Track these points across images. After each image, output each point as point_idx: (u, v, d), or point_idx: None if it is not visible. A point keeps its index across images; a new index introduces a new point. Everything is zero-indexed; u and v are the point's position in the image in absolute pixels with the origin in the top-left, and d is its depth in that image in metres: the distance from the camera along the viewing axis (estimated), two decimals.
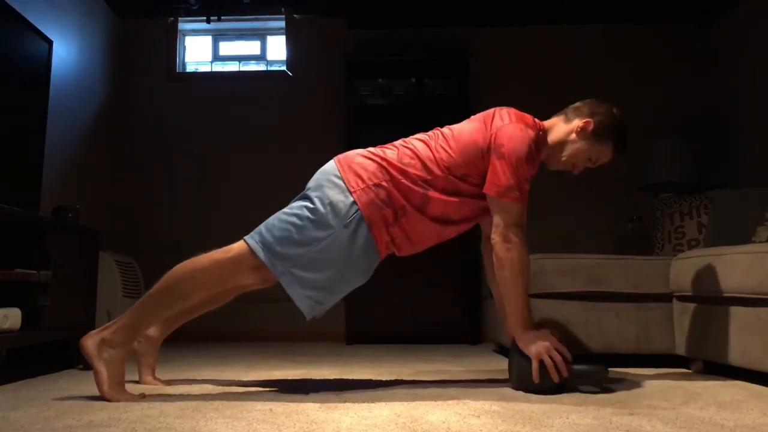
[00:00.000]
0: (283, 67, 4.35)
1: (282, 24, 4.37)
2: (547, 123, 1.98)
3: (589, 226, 4.02)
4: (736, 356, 2.04)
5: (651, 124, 4.13)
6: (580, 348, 2.46)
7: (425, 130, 2.02)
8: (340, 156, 1.89)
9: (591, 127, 1.92)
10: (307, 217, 1.75)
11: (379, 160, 1.82)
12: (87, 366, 2.35)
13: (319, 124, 4.24)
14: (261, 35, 4.50)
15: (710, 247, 2.33)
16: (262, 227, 1.80)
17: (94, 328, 2.41)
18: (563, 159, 1.96)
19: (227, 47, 4.51)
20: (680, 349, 2.43)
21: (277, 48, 4.47)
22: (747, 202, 2.84)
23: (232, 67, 4.47)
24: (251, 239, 1.78)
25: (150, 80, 4.29)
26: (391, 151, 1.86)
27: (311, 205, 1.77)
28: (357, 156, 1.85)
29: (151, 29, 4.34)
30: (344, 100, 4.09)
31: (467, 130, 1.88)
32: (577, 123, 1.94)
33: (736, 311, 2.05)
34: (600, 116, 1.93)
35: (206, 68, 4.47)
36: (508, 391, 1.78)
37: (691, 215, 3.08)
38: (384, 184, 1.79)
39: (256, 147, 4.24)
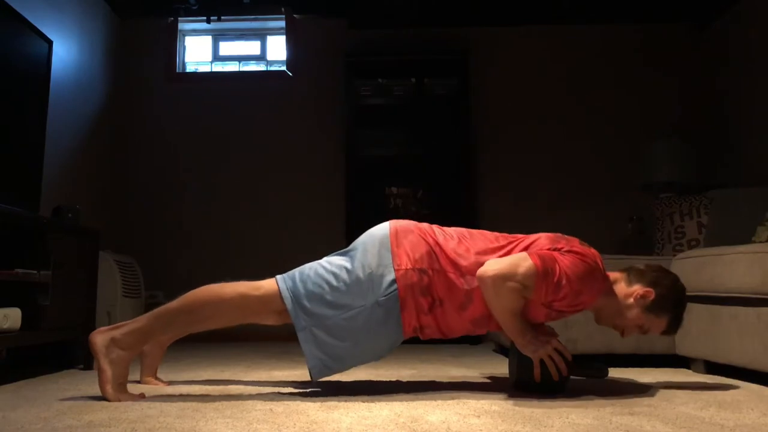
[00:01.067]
0: (283, 67, 4.35)
1: (282, 24, 4.37)
2: (611, 275, 1.85)
3: (589, 226, 4.01)
4: (736, 356, 2.04)
5: (651, 124, 4.13)
6: (580, 348, 2.46)
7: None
8: (397, 225, 1.81)
9: (651, 297, 1.78)
10: (344, 280, 1.71)
11: (432, 245, 1.76)
12: (87, 366, 2.36)
13: (319, 124, 4.24)
14: (261, 35, 4.50)
15: (710, 247, 2.33)
16: (296, 273, 1.76)
17: (94, 328, 2.42)
18: (614, 319, 1.83)
19: (227, 47, 4.50)
20: (680, 349, 2.43)
21: (277, 48, 4.47)
22: (747, 202, 2.84)
23: (232, 67, 4.47)
24: (283, 284, 1.74)
25: (150, 80, 4.29)
26: (446, 239, 1.79)
27: (351, 269, 1.72)
28: (411, 233, 1.78)
29: (151, 29, 4.34)
30: (344, 100, 4.09)
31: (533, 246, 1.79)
32: (637, 289, 1.79)
33: (736, 311, 2.05)
34: (662, 289, 1.79)
35: (206, 68, 4.47)
36: (508, 391, 1.78)
37: (691, 215, 3.08)
38: (429, 271, 1.72)
39: (256, 147, 4.24)
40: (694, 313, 2.33)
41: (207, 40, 4.51)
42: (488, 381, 2.04)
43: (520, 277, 1.64)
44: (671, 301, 1.79)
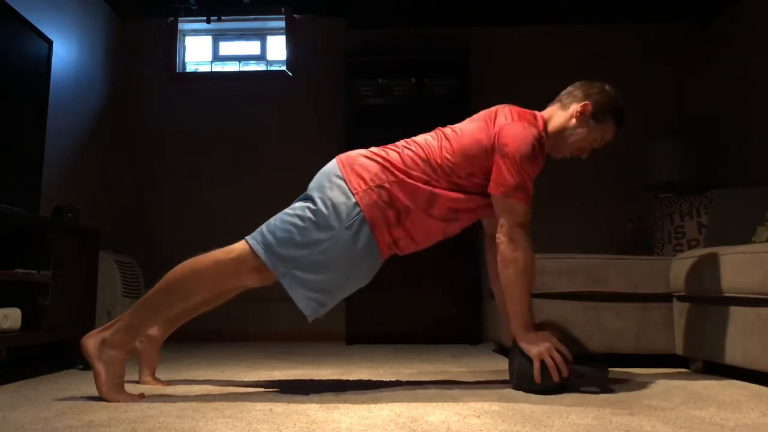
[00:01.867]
0: (283, 67, 4.35)
1: (282, 24, 4.37)
2: (545, 113, 1.98)
3: (589, 226, 4.02)
4: (736, 356, 2.04)
5: (651, 124, 4.13)
6: (580, 348, 2.46)
7: (425, 129, 2.01)
8: (342, 156, 1.88)
9: (589, 109, 1.92)
10: (309, 218, 1.74)
11: (381, 161, 1.81)
12: (87, 366, 2.36)
13: (319, 124, 4.24)
14: (261, 35, 4.50)
15: (710, 247, 2.33)
16: (263, 228, 1.79)
17: (94, 328, 2.42)
18: (569, 146, 1.97)
19: (227, 47, 4.51)
20: (680, 349, 2.43)
21: (277, 48, 4.47)
22: (747, 202, 2.84)
23: (232, 67, 4.47)
24: (252, 240, 1.77)
25: (150, 80, 4.29)
26: (393, 152, 1.85)
27: (313, 207, 1.76)
28: (359, 156, 1.84)
29: (151, 29, 4.34)
30: (344, 100, 4.09)
31: (470, 129, 1.87)
32: (575, 108, 1.93)
33: (735, 311, 2.05)
34: (595, 96, 1.93)
35: (206, 68, 4.47)
36: (508, 391, 1.78)
37: (691, 215, 3.08)
38: (386, 185, 1.77)
39: (256, 147, 4.24)
40: (694, 313, 2.33)
41: (207, 40, 4.51)
42: (488, 381, 2.04)
43: (524, 219, 1.80)
44: (608, 103, 1.93)
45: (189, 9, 4.18)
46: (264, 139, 4.24)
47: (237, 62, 4.48)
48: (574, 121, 1.93)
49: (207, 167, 4.21)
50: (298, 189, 1.93)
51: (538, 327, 1.85)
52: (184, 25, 4.41)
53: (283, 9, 4.28)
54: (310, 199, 1.79)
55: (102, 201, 3.94)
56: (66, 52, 3.47)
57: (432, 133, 1.95)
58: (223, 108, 4.28)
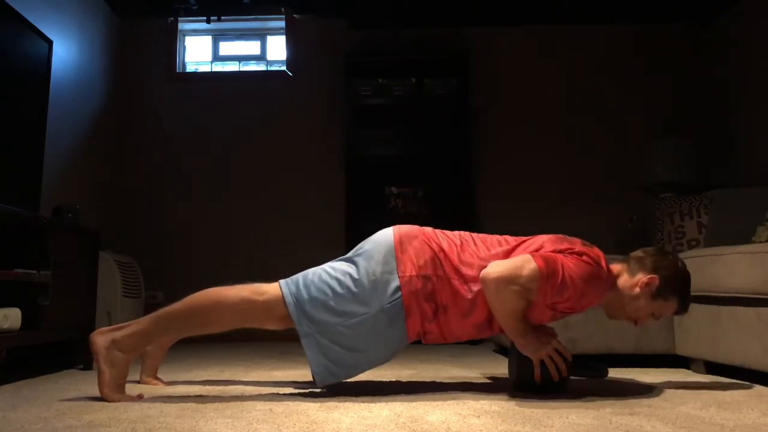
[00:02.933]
0: (283, 67, 4.35)
1: (282, 24, 4.37)
2: (613, 268, 1.83)
3: (589, 226, 4.01)
4: (736, 356, 2.04)
5: (651, 124, 4.13)
6: (580, 348, 2.46)
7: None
8: (401, 232, 1.79)
9: (656, 284, 1.77)
10: (348, 287, 1.69)
11: (436, 251, 1.75)
12: (87, 366, 2.36)
13: (319, 124, 4.24)
14: (261, 35, 4.50)
15: (710, 247, 2.33)
16: (299, 279, 1.75)
17: (94, 328, 2.41)
18: (625, 312, 1.82)
19: (227, 47, 4.50)
20: (680, 349, 2.43)
21: (277, 48, 4.47)
22: (747, 202, 2.84)
23: (232, 67, 4.47)
24: (287, 288, 1.73)
25: (150, 80, 4.29)
26: (450, 245, 1.77)
27: (356, 276, 1.71)
28: (416, 238, 1.77)
29: (151, 29, 4.34)
30: (344, 100, 4.09)
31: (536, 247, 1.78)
32: (640, 278, 1.78)
33: (736, 311, 2.05)
34: (665, 271, 1.78)
35: (206, 68, 4.47)
36: (508, 391, 1.78)
37: (691, 215, 3.08)
38: (433, 278, 1.71)
39: (256, 147, 4.24)
40: (694, 313, 2.33)
41: (207, 40, 4.51)
42: (488, 381, 2.04)
43: (523, 280, 1.63)
44: (676, 281, 1.79)
45: (189, 9, 4.18)
46: (264, 138, 4.24)
47: (237, 62, 4.48)
48: (637, 290, 1.78)
49: (207, 167, 4.21)
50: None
51: (538, 327, 1.85)
52: (184, 25, 4.41)
53: (283, 9, 4.28)
54: (355, 265, 1.74)
55: (102, 201, 3.94)
56: (66, 52, 3.47)
57: (500, 237, 1.85)
58: (223, 108, 4.28)
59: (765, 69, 3.51)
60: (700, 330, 2.28)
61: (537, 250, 1.75)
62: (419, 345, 3.58)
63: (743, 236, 2.63)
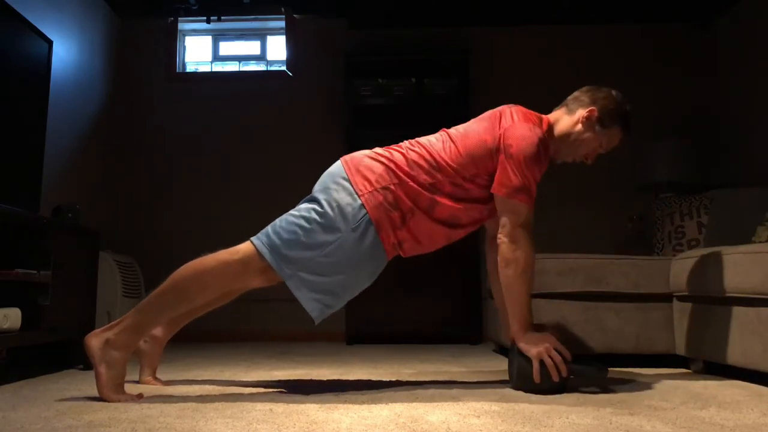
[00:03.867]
0: (283, 67, 4.35)
1: (282, 24, 4.37)
2: (551, 117, 1.97)
3: (589, 226, 4.02)
4: (736, 356, 2.04)
5: (651, 124, 4.13)
6: (580, 348, 2.46)
7: (426, 129, 2.01)
8: (347, 157, 1.87)
9: (596, 114, 1.91)
10: (315, 220, 1.74)
11: (386, 162, 1.81)
12: (87, 366, 2.36)
13: (319, 124, 4.25)
14: (261, 35, 4.50)
15: (710, 247, 2.33)
16: (269, 229, 1.78)
17: (94, 328, 2.42)
18: (574, 151, 1.96)
19: (227, 47, 4.51)
20: (680, 349, 2.43)
21: (277, 48, 4.48)
22: (747, 202, 2.84)
23: (232, 67, 4.47)
24: (258, 241, 1.76)
25: (150, 80, 4.30)
26: (398, 153, 1.84)
27: (319, 208, 1.75)
28: (364, 158, 1.84)
29: (151, 29, 4.34)
30: (344, 100, 4.09)
31: (475, 130, 1.87)
32: (581, 113, 1.93)
33: (736, 311, 2.05)
34: (602, 101, 1.92)
35: (206, 68, 4.47)
36: (508, 391, 1.78)
37: (691, 215, 3.08)
38: (392, 187, 1.77)
39: (256, 147, 4.24)
40: (694, 313, 2.33)
41: (207, 40, 4.51)
42: (488, 381, 2.04)
43: (525, 220, 1.79)
44: (615, 110, 1.92)
45: (189, 9, 4.19)
46: (264, 139, 4.25)
47: (237, 62, 4.48)
48: (580, 126, 1.92)
49: (207, 167, 4.21)
50: (297, 188, 1.94)
51: (538, 327, 1.86)
52: (184, 25, 4.41)
53: (283, 9, 4.28)
54: (316, 200, 1.78)
55: (102, 201, 3.94)
56: (66, 52, 3.47)
57: (436, 134, 1.94)
58: (223, 108, 4.28)
59: (765, 69, 3.51)
60: (700, 330, 2.28)
61: (500, 137, 1.81)
62: (419, 345, 3.58)
63: (743, 236, 2.64)
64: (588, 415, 1.42)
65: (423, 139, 1.91)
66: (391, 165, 1.81)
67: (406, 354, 3.06)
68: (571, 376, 1.77)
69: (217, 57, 4.49)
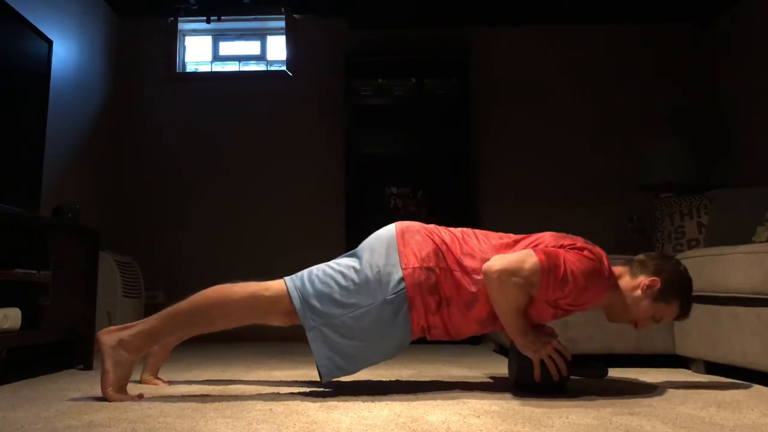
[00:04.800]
0: (283, 67, 4.35)
1: (282, 24, 4.37)
2: (615, 270, 1.84)
3: (589, 226, 4.01)
4: (736, 356, 2.04)
5: (651, 124, 4.13)
6: (580, 348, 2.46)
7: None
8: (403, 226, 1.83)
9: (658, 286, 1.79)
10: (352, 279, 1.71)
11: (438, 244, 1.77)
12: (87, 366, 2.36)
13: (319, 124, 4.24)
14: (261, 35, 4.50)
15: (710, 247, 2.33)
16: (304, 274, 1.77)
17: (94, 328, 2.42)
18: (626, 313, 1.83)
19: (227, 47, 4.50)
20: (680, 349, 2.43)
21: (277, 48, 4.47)
22: (747, 202, 2.84)
23: (232, 67, 4.47)
24: (291, 283, 1.74)
25: (150, 80, 4.30)
26: (452, 238, 1.80)
27: (359, 268, 1.73)
28: (418, 233, 1.80)
29: (151, 29, 4.34)
30: (344, 100, 4.09)
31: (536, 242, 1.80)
32: (642, 280, 1.80)
33: (736, 311, 2.05)
34: (667, 274, 1.80)
35: (206, 68, 4.47)
36: (508, 391, 1.78)
37: (691, 215, 3.08)
38: (437, 270, 1.73)
39: (256, 147, 4.24)
40: (694, 313, 2.33)
41: (207, 40, 4.51)
42: (488, 381, 2.04)
43: (525, 273, 1.65)
44: (678, 285, 1.80)
45: (189, 9, 4.18)
46: (263, 138, 4.24)
47: (237, 62, 4.48)
48: (639, 292, 1.80)
49: (207, 167, 4.21)
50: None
51: (537, 327, 1.85)
52: (184, 25, 4.41)
53: (283, 9, 4.28)
54: (358, 258, 1.76)
55: (102, 201, 3.94)
56: (66, 52, 3.47)
57: (500, 233, 1.88)
58: (223, 108, 4.28)
59: (764, 69, 3.51)
60: (700, 330, 2.28)
61: (538, 245, 1.76)
62: (419, 345, 3.58)
63: (743, 236, 2.63)
64: (588, 415, 1.42)
65: (481, 233, 1.86)
66: (442, 248, 1.77)
67: (406, 354, 3.06)
68: (571, 376, 1.77)
69: (217, 57, 4.49)
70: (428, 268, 1.73)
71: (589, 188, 4.11)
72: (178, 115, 4.26)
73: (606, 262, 1.76)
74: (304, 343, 3.71)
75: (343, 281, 1.71)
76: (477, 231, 1.88)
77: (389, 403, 1.57)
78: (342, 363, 1.71)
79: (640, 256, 1.87)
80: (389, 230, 1.82)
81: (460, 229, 1.88)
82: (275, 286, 1.74)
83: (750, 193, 2.89)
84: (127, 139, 4.22)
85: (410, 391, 1.77)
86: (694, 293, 2.25)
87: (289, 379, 2.10)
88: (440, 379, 2.09)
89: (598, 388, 1.82)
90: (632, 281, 1.82)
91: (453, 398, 1.64)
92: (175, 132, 4.25)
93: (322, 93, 4.27)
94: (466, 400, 1.61)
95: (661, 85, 4.20)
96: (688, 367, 2.41)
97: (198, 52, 4.50)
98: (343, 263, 1.77)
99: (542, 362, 1.71)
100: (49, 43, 2.66)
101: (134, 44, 4.31)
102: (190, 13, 4.23)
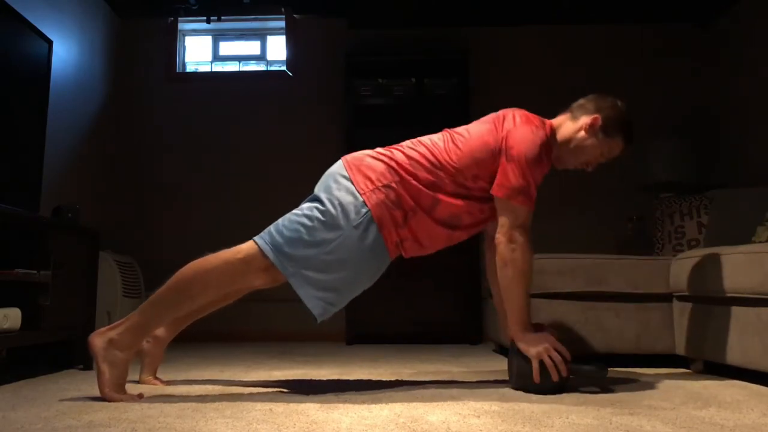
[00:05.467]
0: (283, 67, 4.35)
1: (282, 24, 4.37)
2: (554, 122, 1.97)
3: (589, 226, 4.01)
4: (736, 356, 2.04)
5: (651, 124, 4.13)
6: (580, 348, 2.46)
7: (426, 129, 2.02)
8: (348, 157, 1.88)
9: (599, 122, 1.92)
10: (318, 218, 1.74)
11: (387, 161, 1.82)
12: (87, 366, 2.36)
13: (319, 124, 4.25)
14: (261, 35, 4.50)
15: (710, 247, 2.33)
16: (271, 228, 1.79)
17: (94, 328, 2.42)
18: (575, 157, 1.97)
19: (227, 47, 4.51)
20: (680, 349, 2.43)
21: (277, 48, 4.48)
22: (747, 202, 2.84)
23: (232, 67, 4.47)
24: (261, 240, 1.76)
25: (150, 80, 4.30)
26: (399, 152, 1.85)
27: (321, 207, 1.76)
28: (365, 157, 1.85)
29: (151, 29, 4.34)
30: (344, 100, 4.10)
31: (478, 131, 1.88)
32: (584, 120, 1.94)
33: (736, 311, 2.05)
34: (606, 110, 1.94)
35: (206, 68, 4.47)
36: (508, 391, 1.78)
37: (691, 215, 3.08)
38: (393, 185, 1.78)
39: (255, 147, 4.24)
40: (694, 313, 2.33)
41: (207, 40, 4.51)
42: (488, 381, 2.04)
43: (524, 221, 1.79)
44: (619, 119, 1.94)
45: (189, 9, 4.19)
46: (264, 139, 4.25)
47: (237, 62, 4.48)
48: (582, 133, 1.93)
49: (207, 167, 4.21)
50: (297, 188, 1.94)
51: (537, 327, 1.86)
52: (184, 25, 4.41)
53: (283, 9, 4.28)
54: (318, 199, 1.79)
55: (102, 201, 3.94)
56: (66, 52, 3.47)
57: (438, 134, 1.95)
58: (223, 108, 4.28)
59: (765, 69, 3.51)
60: (700, 330, 2.28)
61: (506, 138, 1.82)
62: (419, 345, 3.58)
63: (743, 236, 2.64)
64: (588, 415, 1.42)
65: (425, 139, 1.92)
66: (393, 163, 1.81)
67: (406, 354, 3.06)
68: (571, 376, 1.77)
69: (217, 57, 4.49)
70: (385, 186, 1.78)
71: (589, 188, 4.11)
72: (178, 115, 4.27)
73: (545, 137, 1.84)
74: (304, 343, 3.72)
75: (309, 222, 1.74)
76: (427, 136, 1.94)
77: (389, 403, 1.57)
78: (331, 297, 1.75)
79: (579, 101, 2.01)
80: (336, 164, 1.88)
81: (406, 141, 1.93)
82: (245, 247, 1.77)
83: (750, 193, 2.89)
84: (127, 139, 4.22)
85: (410, 391, 1.78)
86: (694, 293, 2.25)
87: (289, 379, 2.10)
88: (440, 379, 2.09)
89: (598, 388, 1.82)
90: (574, 124, 1.95)
91: (453, 398, 1.64)
92: (175, 132, 4.25)
93: (322, 93, 4.28)
94: (466, 400, 1.61)
95: (661, 84, 4.20)
96: (688, 367, 2.41)
97: (198, 52, 4.51)
98: (305, 207, 1.80)
99: (542, 362, 1.72)
100: (49, 43, 2.66)
101: (134, 44, 4.31)
102: (190, 13, 4.23)
